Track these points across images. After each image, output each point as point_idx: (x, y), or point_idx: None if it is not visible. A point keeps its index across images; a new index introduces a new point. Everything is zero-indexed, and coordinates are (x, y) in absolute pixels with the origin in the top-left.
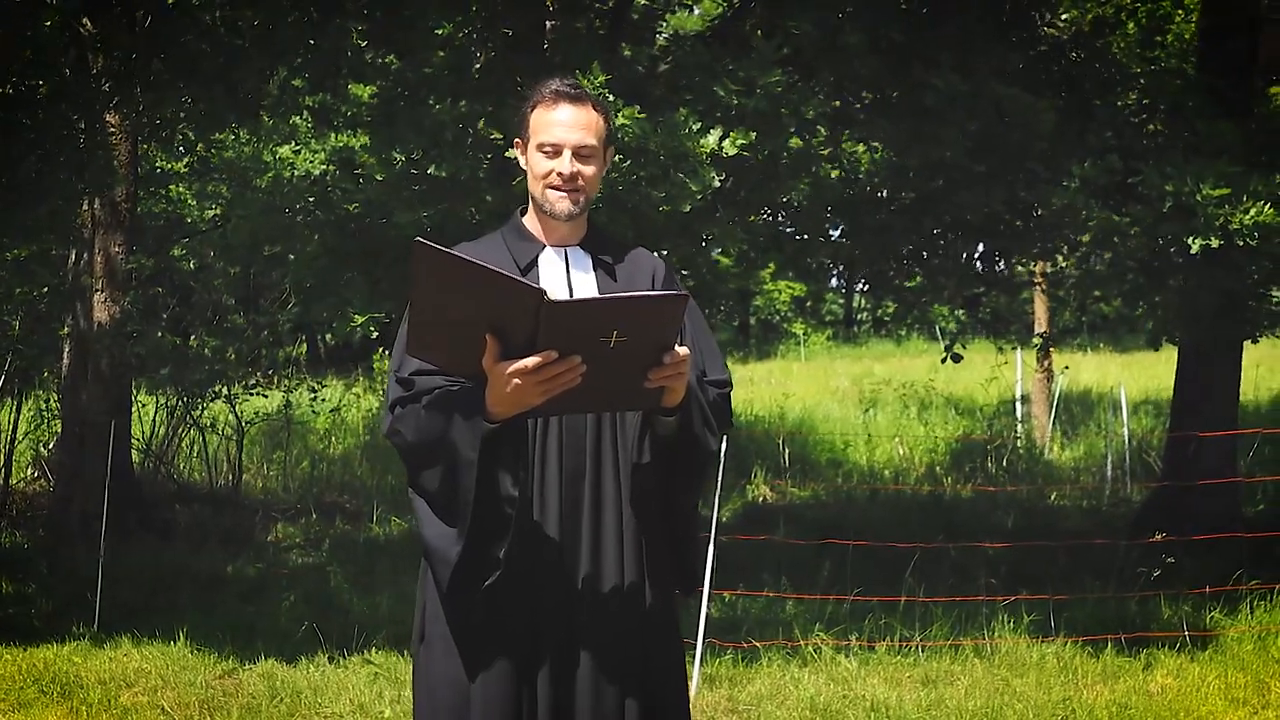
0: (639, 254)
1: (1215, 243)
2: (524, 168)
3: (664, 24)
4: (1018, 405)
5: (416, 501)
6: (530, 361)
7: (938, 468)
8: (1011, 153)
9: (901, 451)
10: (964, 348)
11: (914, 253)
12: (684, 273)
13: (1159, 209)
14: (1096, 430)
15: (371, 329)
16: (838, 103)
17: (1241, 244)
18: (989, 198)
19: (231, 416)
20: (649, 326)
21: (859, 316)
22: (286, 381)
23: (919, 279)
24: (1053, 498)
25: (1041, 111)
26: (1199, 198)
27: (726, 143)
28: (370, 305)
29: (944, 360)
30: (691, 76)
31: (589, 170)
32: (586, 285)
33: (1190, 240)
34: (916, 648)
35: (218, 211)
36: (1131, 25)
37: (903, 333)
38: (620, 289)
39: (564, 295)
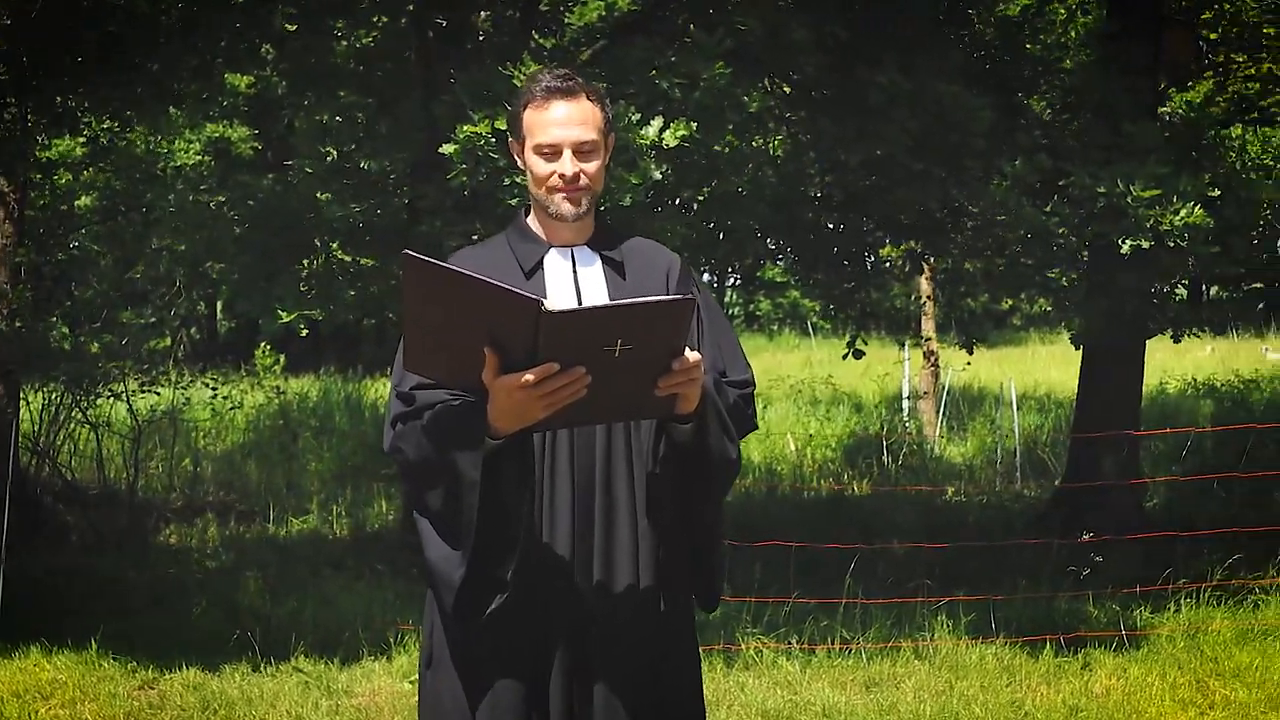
0: (651, 251)
1: (1146, 243)
2: (522, 169)
3: (572, 13)
4: (904, 402)
5: (420, 522)
6: (530, 375)
7: (832, 464)
8: (949, 151)
9: (794, 448)
10: (865, 343)
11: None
12: None
13: (1090, 209)
14: (986, 426)
15: (301, 327)
16: (787, 88)
17: (1172, 245)
18: (924, 195)
19: (123, 414)
20: (655, 332)
21: (731, 311)
22: (175, 378)
23: (788, 275)
24: (950, 494)
25: (978, 110)
26: (1129, 199)
27: (667, 134)
28: (300, 302)
29: (845, 356)
30: (628, 68)
31: (591, 167)
32: (595, 286)
33: (1121, 241)
34: (857, 650)
35: (108, 204)
36: (1045, 31)
37: (774, 327)
38: (630, 289)
39: (570, 298)
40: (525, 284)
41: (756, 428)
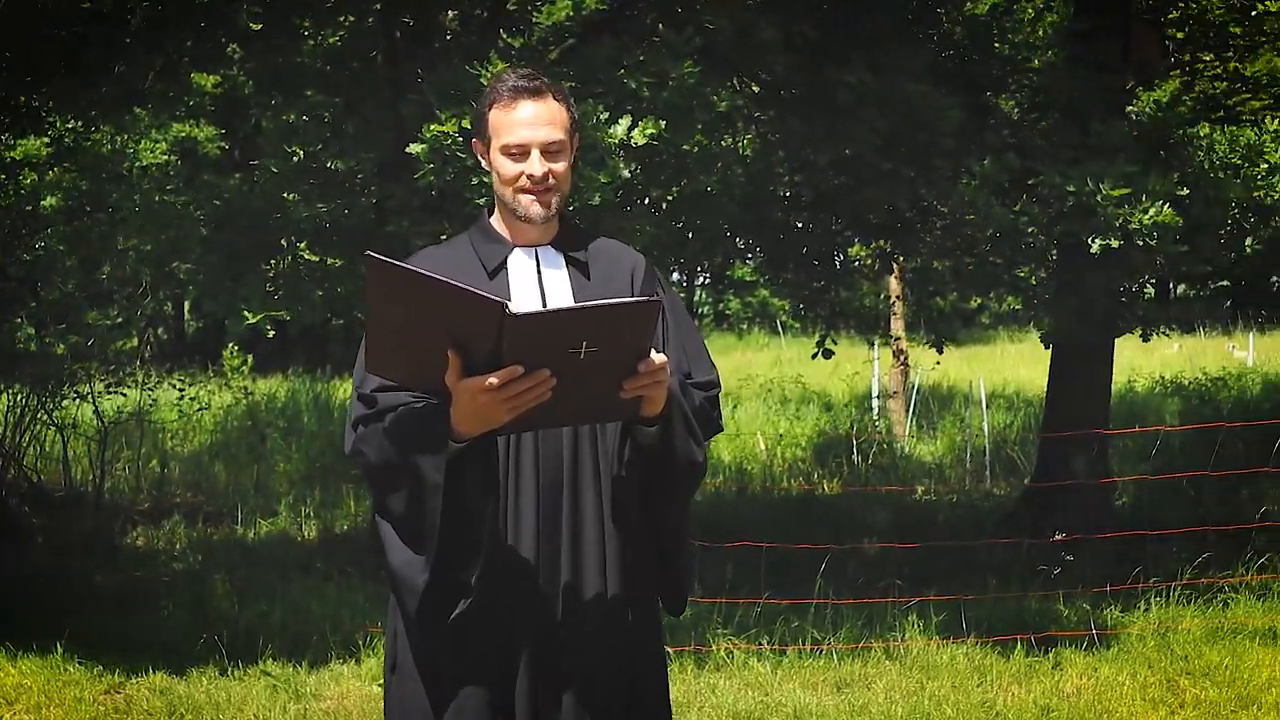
0: (616, 251)
1: (1115, 242)
2: (486, 169)
3: (540, 12)
4: (874, 401)
5: (382, 526)
6: (493, 378)
7: (802, 464)
8: (918, 150)
9: (764, 448)
10: (834, 343)
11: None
12: None
13: (1060, 208)
14: (955, 425)
15: (267, 327)
16: (756, 88)
17: (1141, 243)
18: (894, 194)
19: (89, 415)
20: (621, 334)
21: (700, 310)
22: (142, 379)
23: (757, 274)
24: (919, 493)
25: (947, 109)
26: (1099, 198)
27: (636, 132)
28: (266, 303)
29: (815, 356)
30: (597, 67)
31: (559, 167)
32: (559, 287)
33: (1090, 240)
34: (828, 651)
35: (73, 204)
36: (1014, 31)
37: (743, 326)
38: (595, 289)
39: (534, 299)
40: (488, 285)
41: (722, 430)
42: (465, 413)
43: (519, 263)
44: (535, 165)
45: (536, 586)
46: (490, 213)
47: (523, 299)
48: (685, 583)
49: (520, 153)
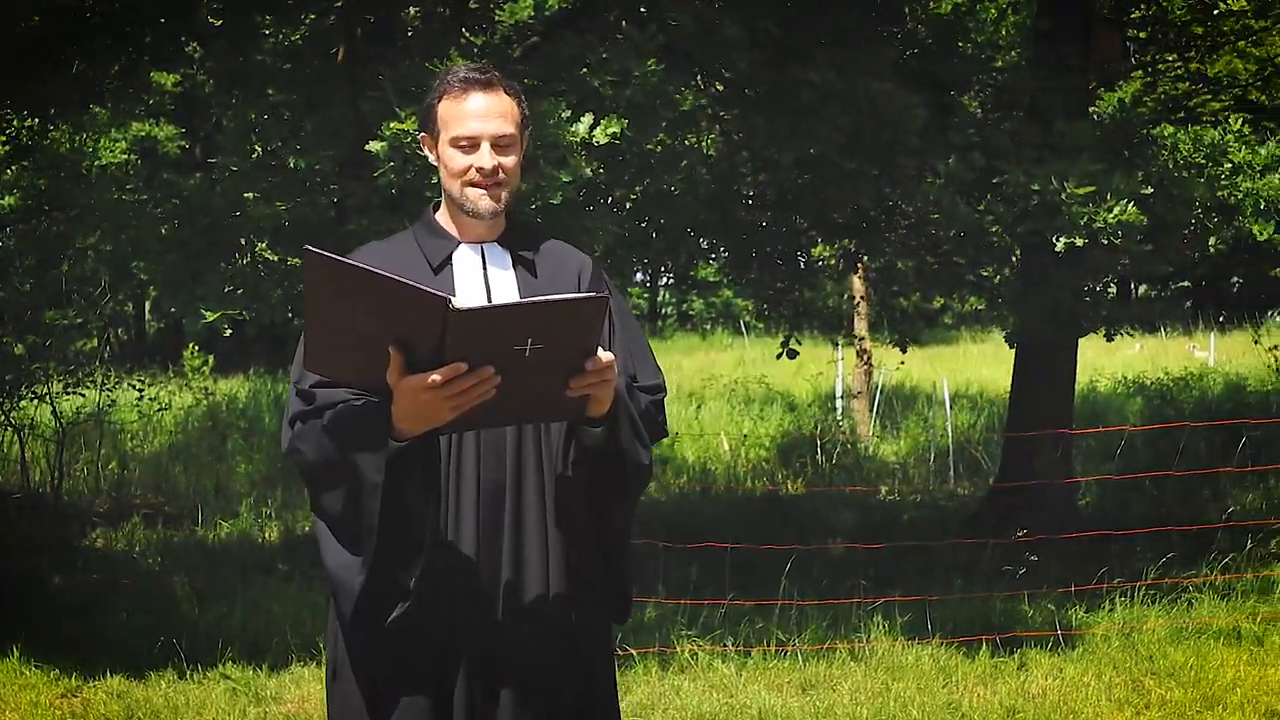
0: (564, 250)
1: (1080, 241)
2: (434, 164)
3: (503, 10)
4: (838, 401)
5: (319, 526)
6: (436, 375)
7: (766, 464)
8: (883, 149)
9: (727, 448)
10: (799, 343)
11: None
12: None
13: (1024, 207)
14: (919, 425)
15: (225, 326)
16: (720, 86)
17: (1106, 243)
18: (858, 194)
19: (48, 416)
20: (567, 332)
21: (664, 311)
22: (101, 380)
23: (721, 274)
24: (884, 493)
25: (912, 108)
26: (1063, 196)
27: (597, 131)
28: (224, 302)
29: (779, 356)
30: (559, 65)
31: (509, 161)
32: (505, 284)
33: (1055, 239)
34: (792, 652)
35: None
36: (977, 31)
37: (707, 327)
38: (542, 287)
39: (480, 296)
40: (433, 281)
41: (667, 434)
42: (407, 411)
43: (464, 259)
44: (485, 158)
45: (477, 588)
46: (436, 208)
47: (468, 296)
48: (628, 586)
49: (470, 145)
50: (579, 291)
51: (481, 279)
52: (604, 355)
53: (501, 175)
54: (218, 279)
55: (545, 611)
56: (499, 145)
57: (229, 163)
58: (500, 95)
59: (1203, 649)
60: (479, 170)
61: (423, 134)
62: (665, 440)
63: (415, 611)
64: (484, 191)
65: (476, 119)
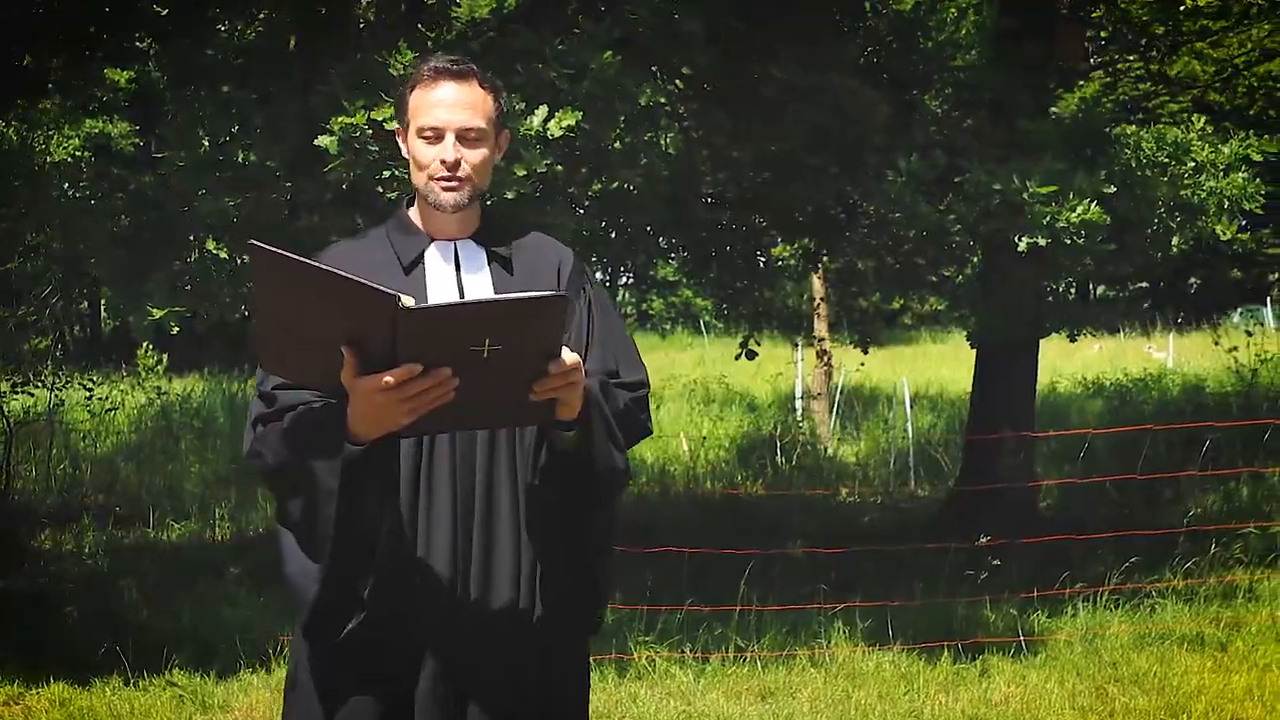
0: (543, 245)
1: (1043, 240)
2: (405, 156)
3: (459, 5)
4: (798, 402)
5: (281, 533)
6: (388, 377)
7: (725, 465)
8: (847, 146)
9: (686, 448)
10: (758, 344)
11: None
12: None
13: (986, 206)
14: (879, 426)
15: (172, 324)
16: (680, 84)
17: (1069, 242)
18: (819, 192)
19: None
20: (527, 332)
21: (623, 310)
22: (51, 378)
23: (680, 273)
24: (843, 495)
25: (876, 104)
26: (1025, 195)
27: (552, 123)
28: (171, 299)
29: (738, 357)
30: (514, 58)
31: (475, 156)
32: (479, 282)
33: (1017, 239)
34: (752, 658)
35: None
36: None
37: (667, 326)
38: (518, 285)
39: (452, 296)
40: (404, 280)
41: (650, 433)
42: (361, 414)
43: (436, 257)
44: (448, 150)
45: (445, 601)
46: (409, 205)
47: (439, 295)
48: (602, 596)
49: (435, 136)
50: (558, 286)
51: (454, 278)
52: (568, 357)
53: (464, 170)
54: (165, 276)
55: (514, 622)
56: (465, 138)
57: (175, 157)
58: (473, 86)
59: (1166, 655)
60: (442, 163)
61: (397, 127)
62: None
63: (372, 623)
64: (449, 184)
65: (443, 109)
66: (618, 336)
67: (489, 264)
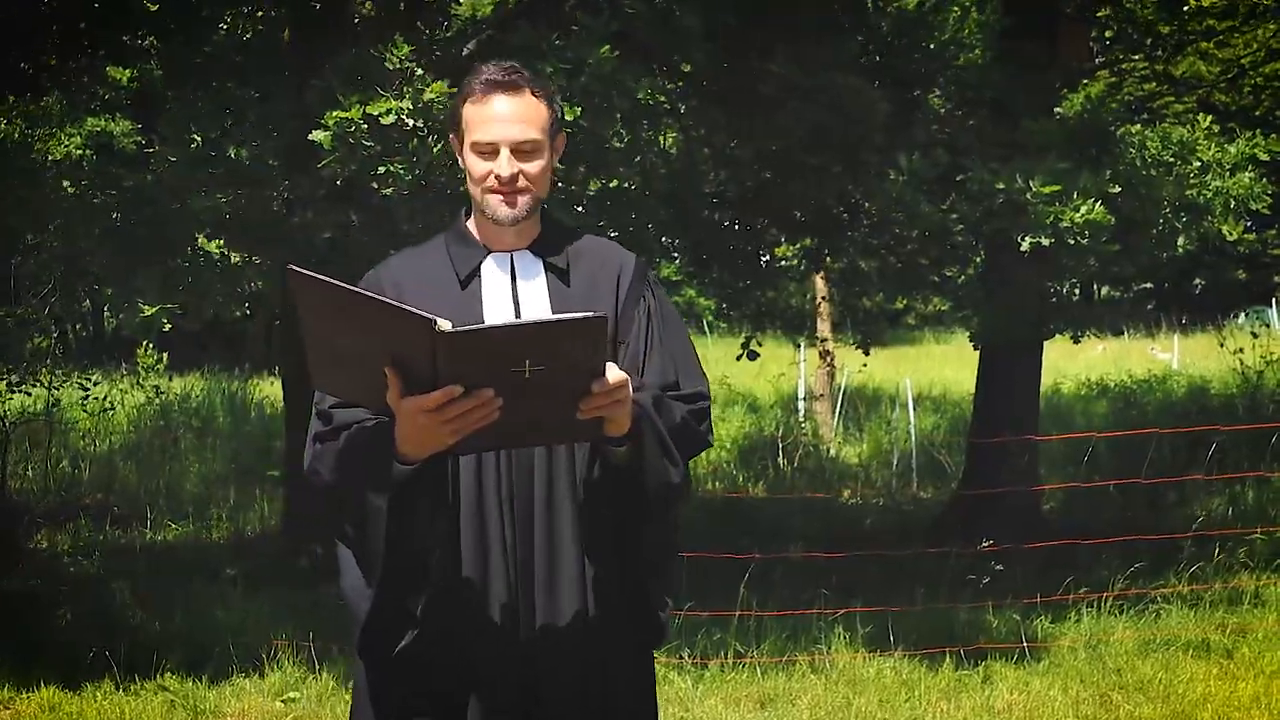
0: (604, 252)
1: (1047, 240)
2: (461, 167)
3: (459, 4)
4: (800, 403)
5: (340, 549)
6: (430, 399)
7: (727, 466)
8: (848, 144)
9: None
10: (760, 344)
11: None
12: None
13: (989, 205)
14: (882, 428)
15: (165, 322)
16: (680, 81)
17: (1073, 242)
18: (821, 191)
19: None
20: (566, 352)
21: None
22: (49, 377)
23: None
24: (845, 496)
25: (876, 103)
26: (1029, 195)
27: None
28: (163, 296)
29: (740, 358)
30: (511, 54)
31: (533, 168)
32: (535, 295)
33: (1020, 238)
34: (751, 664)
35: None
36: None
37: None
38: (576, 297)
39: (508, 309)
40: (460, 294)
41: (710, 445)
42: (406, 434)
43: (492, 269)
44: (504, 165)
45: (504, 613)
46: (468, 214)
47: (495, 309)
48: (659, 609)
49: (490, 151)
50: (617, 294)
51: (510, 291)
52: (612, 375)
53: (522, 182)
54: (157, 273)
55: (581, 633)
56: (520, 151)
57: (168, 153)
58: (525, 98)
59: (1171, 662)
60: (497, 178)
61: (451, 136)
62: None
63: (425, 640)
64: (504, 198)
65: (497, 123)
66: (679, 346)
67: (546, 275)
